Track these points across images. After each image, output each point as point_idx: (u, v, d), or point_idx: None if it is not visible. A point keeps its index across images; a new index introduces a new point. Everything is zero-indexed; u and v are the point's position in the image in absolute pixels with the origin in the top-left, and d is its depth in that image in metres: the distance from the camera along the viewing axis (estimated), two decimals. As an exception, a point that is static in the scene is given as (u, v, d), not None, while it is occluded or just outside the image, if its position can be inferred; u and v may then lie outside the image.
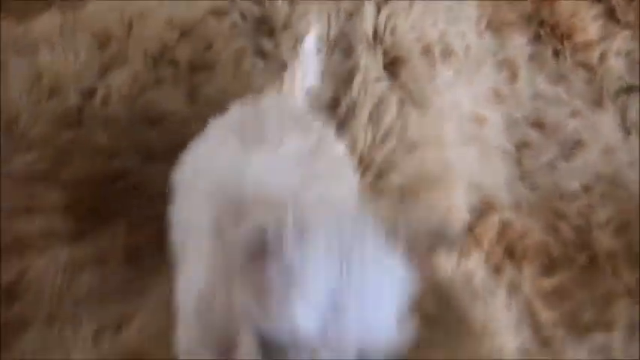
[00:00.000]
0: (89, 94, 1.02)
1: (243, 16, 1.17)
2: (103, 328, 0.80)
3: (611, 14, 1.50)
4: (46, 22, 1.08)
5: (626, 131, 1.37)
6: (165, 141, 0.97)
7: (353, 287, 0.52)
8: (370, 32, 1.20)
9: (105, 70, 1.07)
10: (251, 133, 0.67)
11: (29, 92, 1.00)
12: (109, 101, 1.01)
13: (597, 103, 1.41)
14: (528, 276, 1.12)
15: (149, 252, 0.88)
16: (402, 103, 1.15)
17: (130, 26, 1.12)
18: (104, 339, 0.80)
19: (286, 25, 1.14)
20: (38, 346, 0.76)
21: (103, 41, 1.09)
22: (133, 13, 1.13)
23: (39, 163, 0.96)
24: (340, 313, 0.51)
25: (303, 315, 0.49)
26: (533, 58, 1.46)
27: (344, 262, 0.52)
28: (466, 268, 1.06)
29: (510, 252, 1.14)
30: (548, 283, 1.11)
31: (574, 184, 1.25)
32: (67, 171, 0.97)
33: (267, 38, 1.15)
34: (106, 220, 0.92)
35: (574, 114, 1.37)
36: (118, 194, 0.90)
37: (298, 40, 1.02)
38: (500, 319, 1.03)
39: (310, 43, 0.97)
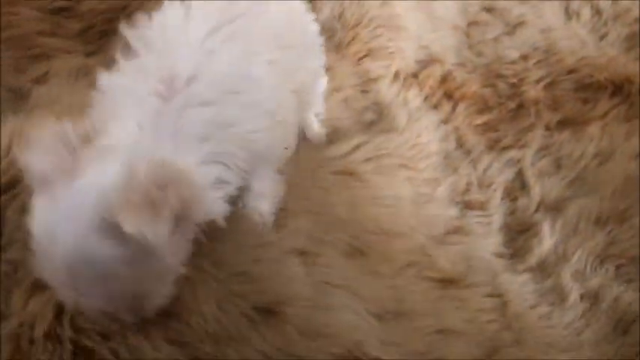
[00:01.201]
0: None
1: None
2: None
3: None
4: None
5: (568, 17, 1.62)
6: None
7: None
8: None
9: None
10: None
11: None
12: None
13: (545, -6, 1.65)
14: (462, 112, 1.37)
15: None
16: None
17: None
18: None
19: None
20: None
21: None
22: None
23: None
24: None
25: None
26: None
27: None
28: (405, 95, 1.33)
29: (449, 96, 1.40)
30: (480, 119, 1.37)
31: (514, 54, 1.48)
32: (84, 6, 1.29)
33: None
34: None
35: (522, 1, 1.62)
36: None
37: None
38: (430, 134, 1.29)
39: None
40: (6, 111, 0.95)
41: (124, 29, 0.73)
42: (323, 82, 1.07)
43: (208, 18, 0.72)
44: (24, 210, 0.76)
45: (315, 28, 0.96)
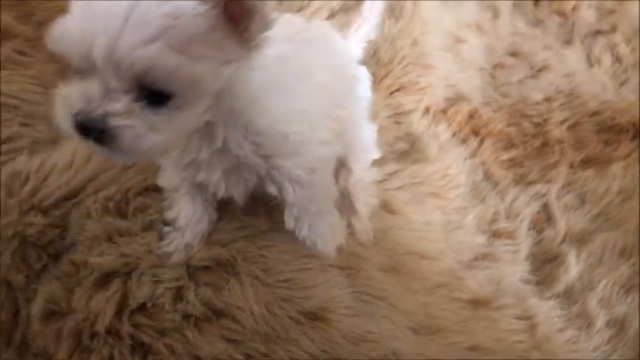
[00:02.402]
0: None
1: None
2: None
3: (585, -28, 1.84)
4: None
5: (590, 63, 1.73)
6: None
7: None
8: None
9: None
10: None
11: None
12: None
13: (568, 41, 1.75)
14: (488, 148, 1.45)
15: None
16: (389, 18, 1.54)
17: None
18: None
19: None
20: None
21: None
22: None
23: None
24: None
25: None
26: (515, 5, 1.82)
27: None
28: (435, 129, 1.43)
29: (476, 132, 1.49)
30: (506, 155, 1.45)
31: (538, 96, 1.57)
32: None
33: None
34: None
35: (546, 47, 1.71)
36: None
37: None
38: (459, 166, 1.38)
39: (375, 5, 1.11)
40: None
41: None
42: (370, 130, 1.10)
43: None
44: (87, 216, 0.85)
45: (366, 74, 1.03)
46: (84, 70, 0.61)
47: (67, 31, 0.61)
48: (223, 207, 0.86)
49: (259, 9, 0.61)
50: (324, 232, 0.87)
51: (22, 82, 1.03)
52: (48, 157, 0.92)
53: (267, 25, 0.63)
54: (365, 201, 1.04)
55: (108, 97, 0.61)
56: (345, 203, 1.00)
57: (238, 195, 0.79)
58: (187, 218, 0.84)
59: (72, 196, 0.88)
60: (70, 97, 0.63)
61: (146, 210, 0.88)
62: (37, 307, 0.83)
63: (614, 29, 1.73)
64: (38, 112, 1.03)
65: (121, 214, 0.87)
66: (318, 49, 0.85)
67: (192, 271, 0.80)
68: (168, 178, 0.83)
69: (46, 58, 1.13)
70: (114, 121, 0.61)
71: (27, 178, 0.89)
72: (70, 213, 0.87)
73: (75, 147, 0.93)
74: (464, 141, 1.39)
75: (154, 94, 0.62)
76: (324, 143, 0.82)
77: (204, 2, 0.60)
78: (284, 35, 0.76)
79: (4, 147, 0.93)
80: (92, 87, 0.61)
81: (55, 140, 0.98)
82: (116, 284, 0.82)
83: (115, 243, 0.84)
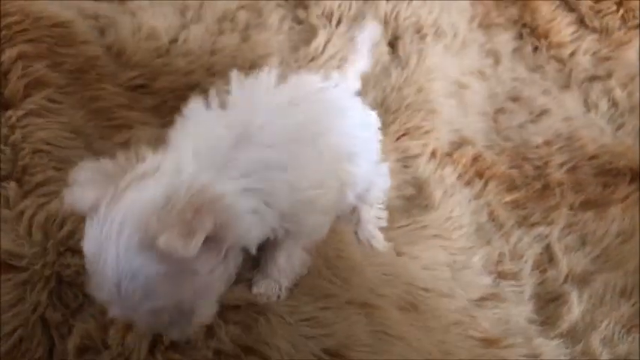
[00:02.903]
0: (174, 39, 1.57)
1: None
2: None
3: (581, 21, 1.95)
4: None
5: (587, 108, 1.82)
6: (224, 64, 1.50)
7: None
8: (381, 15, 1.71)
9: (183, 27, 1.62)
10: None
11: (133, 36, 1.54)
12: (188, 41, 1.54)
13: (565, 86, 1.85)
14: (492, 190, 1.53)
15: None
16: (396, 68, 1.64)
17: (202, 2, 1.68)
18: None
19: (317, 2, 1.67)
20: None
21: (182, 9, 1.66)
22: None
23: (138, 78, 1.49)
24: None
25: None
26: (515, 51, 1.91)
27: None
28: (441, 173, 1.51)
29: (480, 175, 1.57)
30: (509, 197, 1.53)
31: (538, 139, 1.65)
32: (158, 84, 1.50)
33: (302, 10, 1.68)
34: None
35: (545, 92, 1.81)
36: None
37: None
38: (462, 208, 1.46)
39: (370, 31, 1.16)
40: None
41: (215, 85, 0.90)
42: (382, 184, 1.15)
43: (293, 89, 0.89)
44: None
45: (376, 120, 1.10)
46: None
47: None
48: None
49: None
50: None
51: (54, 129, 1.11)
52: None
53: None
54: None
55: None
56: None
57: None
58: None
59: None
60: None
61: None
62: (72, 344, 0.89)
63: (609, 75, 1.82)
64: (70, 157, 1.09)
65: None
66: (332, 111, 0.93)
67: (223, 310, 0.86)
68: None
69: (75, 104, 1.21)
70: None
71: (63, 221, 0.95)
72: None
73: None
74: (468, 183, 1.46)
75: None
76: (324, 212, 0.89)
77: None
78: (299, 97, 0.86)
79: (40, 190, 1.00)
80: None
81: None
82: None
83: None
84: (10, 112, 1.09)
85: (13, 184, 1.00)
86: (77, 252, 0.93)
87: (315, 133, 0.86)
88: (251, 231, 0.78)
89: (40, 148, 1.07)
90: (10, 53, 1.13)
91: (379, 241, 1.16)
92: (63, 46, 1.24)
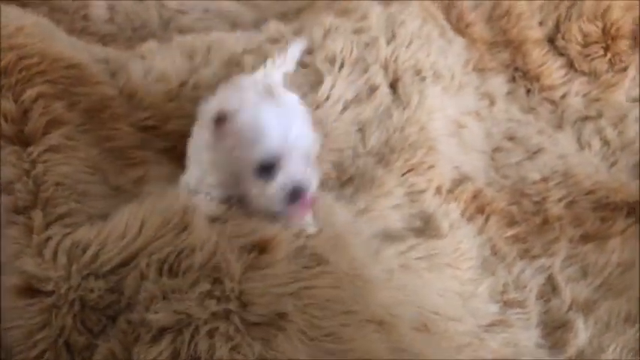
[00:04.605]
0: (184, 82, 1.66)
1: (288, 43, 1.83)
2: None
3: (571, 65, 2.08)
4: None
5: (580, 146, 1.93)
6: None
7: None
8: (382, 58, 1.82)
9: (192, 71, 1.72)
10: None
11: (143, 78, 1.64)
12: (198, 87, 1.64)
13: (559, 126, 1.96)
14: (493, 225, 1.61)
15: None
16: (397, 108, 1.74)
17: (209, 46, 1.79)
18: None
19: (320, 47, 1.78)
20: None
21: (190, 53, 1.76)
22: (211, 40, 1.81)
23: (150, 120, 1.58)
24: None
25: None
26: (509, 93, 2.02)
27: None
28: (446, 208, 1.59)
29: (481, 210, 1.65)
30: (510, 232, 1.61)
31: (536, 176, 1.75)
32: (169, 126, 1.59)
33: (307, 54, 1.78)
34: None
35: (540, 132, 1.91)
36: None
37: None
38: (469, 241, 1.53)
39: (297, 46, 1.51)
40: (111, 205, 1.19)
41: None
42: None
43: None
44: (142, 277, 0.98)
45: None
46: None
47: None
48: (271, 265, 0.99)
49: None
50: None
51: (73, 164, 1.18)
52: (103, 229, 1.04)
53: None
54: None
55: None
56: None
57: None
58: None
59: (128, 261, 1.00)
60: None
61: (192, 268, 1.01)
62: (96, 362, 0.93)
63: (600, 115, 1.93)
64: (89, 191, 1.16)
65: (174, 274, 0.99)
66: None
67: (245, 325, 0.92)
68: None
69: (91, 141, 1.29)
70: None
71: (86, 247, 1.01)
72: (126, 277, 0.99)
73: (125, 219, 1.06)
74: (470, 219, 1.53)
75: None
76: None
77: None
78: None
79: (64, 222, 1.06)
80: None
81: (104, 215, 1.11)
82: (168, 339, 0.94)
83: (169, 300, 0.95)
84: (31, 148, 1.15)
85: (39, 212, 1.05)
86: (100, 276, 0.98)
87: None
88: None
89: (61, 181, 1.13)
90: (30, 93, 1.20)
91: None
92: (78, 86, 1.31)
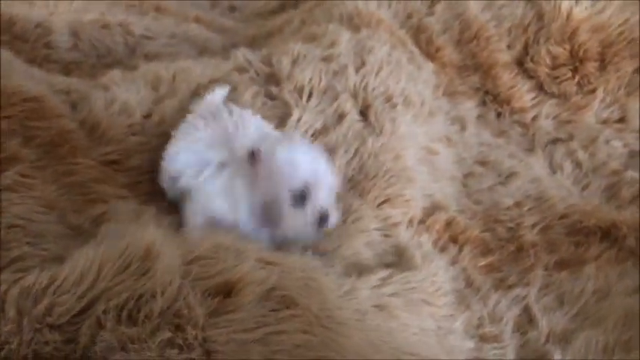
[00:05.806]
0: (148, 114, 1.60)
1: (256, 72, 1.78)
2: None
3: (540, 87, 2.07)
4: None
5: (552, 170, 1.90)
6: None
7: None
8: (351, 86, 1.78)
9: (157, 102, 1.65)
10: None
11: (106, 110, 1.57)
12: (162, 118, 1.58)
13: (530, 149, 1.94)
14: (467, 255, 1.57)
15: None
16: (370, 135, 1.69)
17: (175, 75, 1.72)
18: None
19: (288, 77, 1.73)
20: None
21: (154, 83, 1.70)
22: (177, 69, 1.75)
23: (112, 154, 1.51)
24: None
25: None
26: (479, 117, 2.00)
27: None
28: (418, 240, 1.54)
29: (454, 240, 1.61)
30: (484, 261, 1.57)
31: (508, 201, 1.72)
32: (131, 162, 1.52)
33: (274, 86, 1.73)
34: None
35: (511, 156, 1.89)
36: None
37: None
38: (443, 273, 1.48)
39: (217, 94, 1.50)
40: (68, 246, 1.12)
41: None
42: None
43: None
44: (99, 326, 0.91)
45: None
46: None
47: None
48: (237, 309, 0.93)
49: None
50: None
51: (28, 204, 1.11)
52: (57, 274, 0.97)
53: None
54: None
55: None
56: None
57: None
58: None
59: (85, 309, 0.93)
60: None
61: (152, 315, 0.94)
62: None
63: (571, 137, 1.92)
64: (43, 231, 1.09)
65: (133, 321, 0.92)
66: None
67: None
68: None
69: (48, 178, 1.22)
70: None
71: (39, 296, 0.94)
72: (82, 326, 0.92)
73: (82, 263, 0.99)
74: (443, 249, 1.49)
75: None
76: None
77: None
78: None
79: (17, 265, 0.99)
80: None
81: (60, 258, 1.04)
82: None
83: (127, 351, 0.89)
84: (-14, 188, 1.07)
85: (-12, 260, 0.97)
86: (56, 328, 0.91)
87: None
88: None
89: (14, 223, 1.06)
90: (-15, 131, 1.13)
91: None
92: (35, 120, 1.25)
